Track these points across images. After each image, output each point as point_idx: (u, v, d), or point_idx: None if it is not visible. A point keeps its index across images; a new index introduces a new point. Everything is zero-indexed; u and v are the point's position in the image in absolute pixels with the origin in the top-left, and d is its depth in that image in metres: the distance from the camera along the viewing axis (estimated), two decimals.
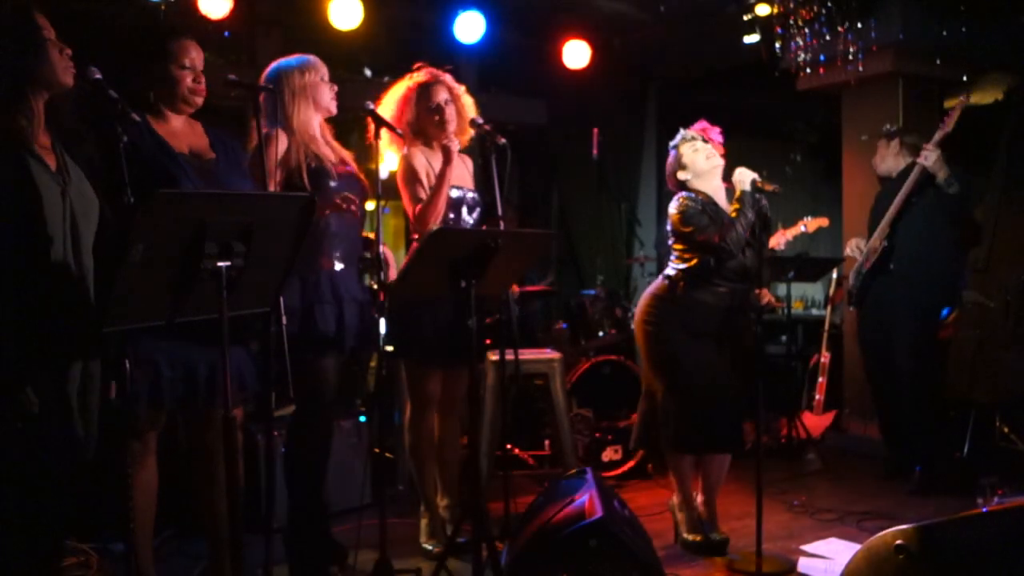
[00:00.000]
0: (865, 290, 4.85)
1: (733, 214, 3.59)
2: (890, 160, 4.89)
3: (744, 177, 3.63)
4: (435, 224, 3.53)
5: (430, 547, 3.72)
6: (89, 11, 4.42)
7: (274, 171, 3.16)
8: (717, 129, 3.84)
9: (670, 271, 3.74)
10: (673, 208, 3.70)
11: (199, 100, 2.97)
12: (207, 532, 3.05)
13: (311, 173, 3.20)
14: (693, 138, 3.76)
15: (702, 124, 3.83)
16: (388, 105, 3.68)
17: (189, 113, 2.99)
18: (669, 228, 3.74)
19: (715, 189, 3.74)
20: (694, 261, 3.66)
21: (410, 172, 3.63)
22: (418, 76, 3.70)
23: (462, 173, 3.79)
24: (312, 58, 3.35)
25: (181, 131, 2.95)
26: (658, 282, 3.80)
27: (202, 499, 3.03)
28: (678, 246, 3.72)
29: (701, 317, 3.67)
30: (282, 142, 3.20)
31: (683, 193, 3.72)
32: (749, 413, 3.86)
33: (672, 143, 3.83)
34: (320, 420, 3.35)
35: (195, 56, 2.95)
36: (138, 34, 3.66)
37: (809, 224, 5.19)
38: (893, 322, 4.72)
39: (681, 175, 3.76)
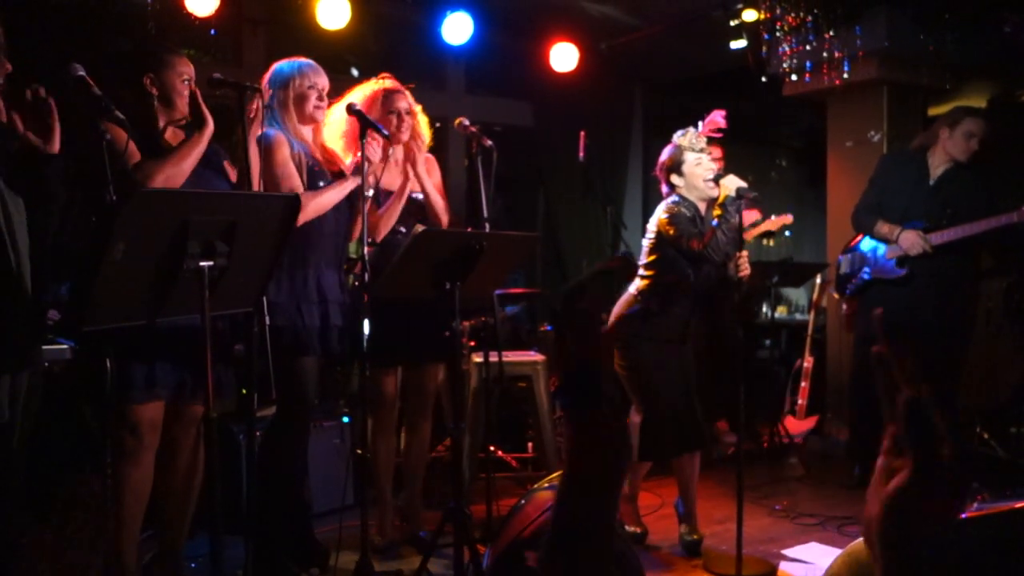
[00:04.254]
0: (865, 287, 4.75)
1: (716, 216, 3.60)
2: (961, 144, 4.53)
3: (731, 183, 3.63)
4: (385, 232, 3.60)
5: (378, 539, 3.71)
6: (75, 5, 4.39)
7: (299, 171, 3.27)
8: (719, 121, 3.80)
9: (641, 285, 3.75)
10: (662, 211, 3.70)
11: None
12: (163, 520, 3.08)
13: (311, 175, 3.29)
14: (701, 150, 3.72)
15: (710, 124, 3.79)
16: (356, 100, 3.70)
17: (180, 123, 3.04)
18: (650, 234, 3.74)
19: (700, 201, 3.76)
20: (670, 277, 3.68)
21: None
22: (385, 82, 3.72)
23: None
24: (305, 66, 3.37)
25: (172, 139, 3.02)
26: (626, 297, 3.80)
27: (160, 488, 3.04)
28: (652, 256, 3.73)
29: (668, 326, 3.72)
30: (285, 145, 3.26)
31: (675, 198, 3.73)
32: (728, 415, 3.89)
33: (677, 139, 3.76)
34: (300, 420, 3.35)
35: (189, 70, 3.03)
36: (132, 46, 3.69)
37: (773, 223, 5.16)
38: (917, 332, 4.56)
39: (675, 179, 3.75)
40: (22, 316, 2.42)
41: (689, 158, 3.71)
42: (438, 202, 3.73)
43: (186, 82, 2.98)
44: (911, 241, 4.50)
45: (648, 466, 3.92)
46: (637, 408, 3.76)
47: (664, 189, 3.81)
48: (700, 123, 3.79)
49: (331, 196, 3.27)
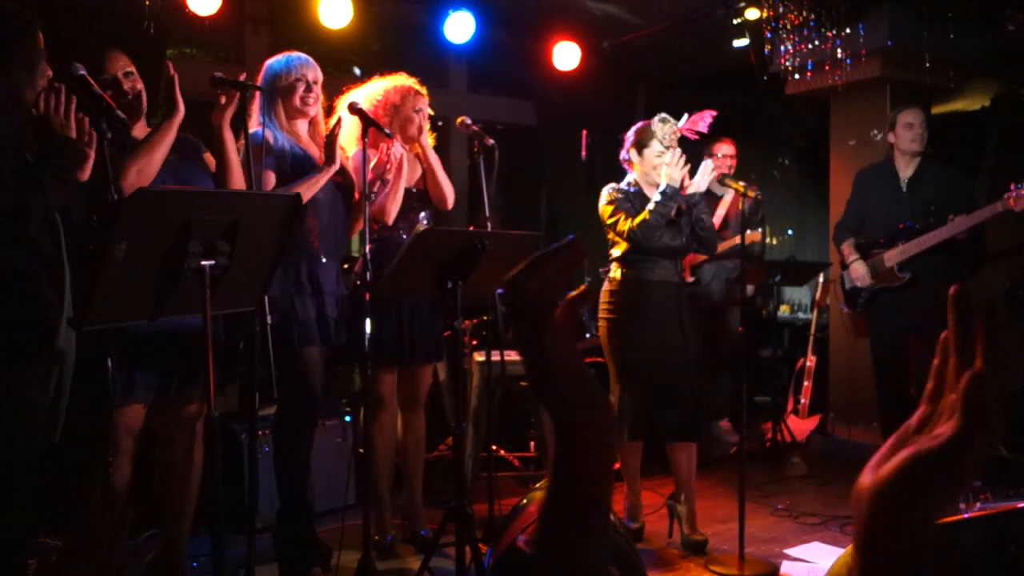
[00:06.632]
0: (874, 297, 4.76)
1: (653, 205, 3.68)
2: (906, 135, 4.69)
3: (674, 173, 3.68)
4: (394, 212, 3.60)
5: (376, 537, 3.71)
6: (76, 5, 4.38)
7: (281, 162, 3.27)
8: (706, 121, 3.84)
9: (611, 262, 3.88)
10: (603, 198, 3.84)
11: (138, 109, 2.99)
12: (163, 519, 3.09)
13: (294, 161, 3.30)
14: (668, 147, 3.75)
15: (692, 125, 3.81)
16: (376, 93, 3.70)
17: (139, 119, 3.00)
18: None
19: (648, 187, 3.83)
20: (625, 245, 3.77)
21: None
22: (415, 82, 3.74)
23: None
24: (295, 60, 3.37)
25: (141, 134, 2.99)
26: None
27: (160, 486, 3.06)
28: (610, 234, 3.85)
29: (647, 293, 3.76)
30: (269, 138, 3.25)
31: (614, 185, 3.86)
32: (730, 413, 3.88)
33: (656, 124, 3.81)
34: (308, 414, 3.35)
35: (119, 65, 2.94)
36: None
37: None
38: (919, 337, 4.59)
39: (634, 155, 3.85)
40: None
41: (655, 147, 3.79)
42: (441, 173, 3.75)
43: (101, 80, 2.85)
44: (857, 273, 4.72)
45: (640, 453, 3.89)
46: (613, 384, 3.77)
47: (622, 155, 3.92)
48: (686, 115, 3.83)
49: (304, 189, 3.22)
